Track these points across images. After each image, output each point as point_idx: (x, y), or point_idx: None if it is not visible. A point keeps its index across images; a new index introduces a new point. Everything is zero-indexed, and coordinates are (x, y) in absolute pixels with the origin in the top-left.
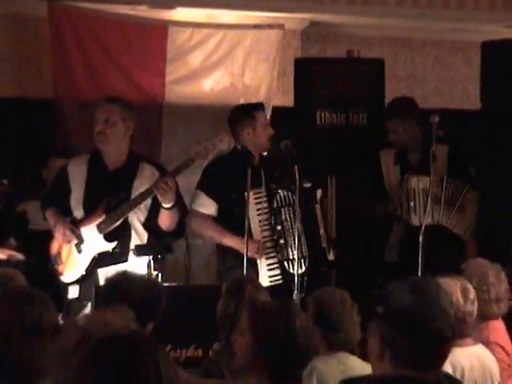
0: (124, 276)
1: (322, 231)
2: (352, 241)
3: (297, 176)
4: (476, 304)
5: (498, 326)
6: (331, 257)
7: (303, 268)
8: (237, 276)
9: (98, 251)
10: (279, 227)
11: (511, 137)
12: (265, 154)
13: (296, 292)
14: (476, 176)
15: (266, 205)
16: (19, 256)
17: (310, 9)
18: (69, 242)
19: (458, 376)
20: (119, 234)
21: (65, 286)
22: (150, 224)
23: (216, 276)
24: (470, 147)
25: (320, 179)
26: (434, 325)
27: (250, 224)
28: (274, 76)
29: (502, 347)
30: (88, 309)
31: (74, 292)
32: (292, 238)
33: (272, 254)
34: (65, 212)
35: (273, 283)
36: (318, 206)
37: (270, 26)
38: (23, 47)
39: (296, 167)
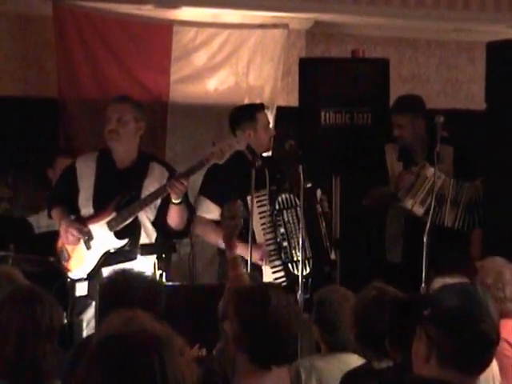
0: (123, 274)
1: (323, 231)
2: (356, 240)
3: (301, 176)
4: None
5: (507, 324)
6: (333, 256)
7: (308, 269)
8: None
9: (109, 248)
10: (282, 230)
11: None
12: (265, 155)
13: (300, 293)
14: (480, 176)
15: (268, 207)
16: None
17: (315, 8)
18: (75, 243)
19: None
20: (130, 232)
21: (72, 283)
22: (160, 222)
23: (217, 278)
24: (475, 148)
25: (323, 179)
26: (481, 327)
27: (252, 227)
28: (278, 76)
29: (510, 344)
30: (93, 307)
31: (81, 289)
32: (295, 239)
33: (276, 257)
34: (71, 210)
35: None
36: (318, 206)
37: (275, 26)
38: (27, 46)
39: (301, 167)
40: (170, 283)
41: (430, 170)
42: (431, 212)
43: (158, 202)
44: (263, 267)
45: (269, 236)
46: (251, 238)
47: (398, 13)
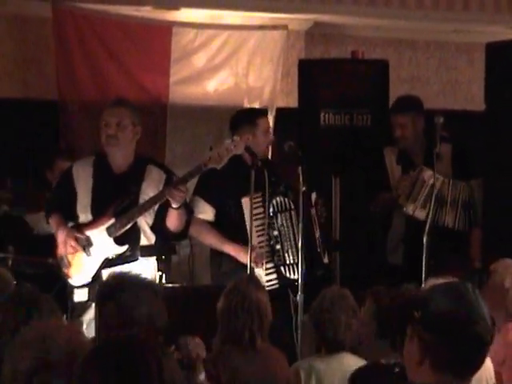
0: (119, 277)
1: (317, 235)
2: (356, 241)
3: (300, 178)
4: None
5: None
6: (326, 260)
7: (300, 272)
8: (240, 277)
9: (109, 254)
10: (276, 232)
11: None
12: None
13: (295, 295)
14: (479, 176)
15: (262, 210)
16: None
17: (314, 10)
18: (73, 252)
19: None
20: (129, 238)
21: (71, 289)
22: (158, 226)
23: (211, 280)
24: (474, 148)
25: (323, 180)
26: (475, 329)
27: (245, 229)
28: (278, 77)
29: None
30: (92, 309)
31: (81, 295)
32: (288, 242)
33: (268, 259)
34: (70, 216)
35: (269, 288)
36: (312, 210)
37: (274, 27)
38: (27, 48)
39: (300, 168)
40: (170, 284)
41: (428, 173)
42: (431, 213)
43: (156, 206)
44: (256, 269)
45: (262, 238)
46: (245, 239)
47: (398, 14)
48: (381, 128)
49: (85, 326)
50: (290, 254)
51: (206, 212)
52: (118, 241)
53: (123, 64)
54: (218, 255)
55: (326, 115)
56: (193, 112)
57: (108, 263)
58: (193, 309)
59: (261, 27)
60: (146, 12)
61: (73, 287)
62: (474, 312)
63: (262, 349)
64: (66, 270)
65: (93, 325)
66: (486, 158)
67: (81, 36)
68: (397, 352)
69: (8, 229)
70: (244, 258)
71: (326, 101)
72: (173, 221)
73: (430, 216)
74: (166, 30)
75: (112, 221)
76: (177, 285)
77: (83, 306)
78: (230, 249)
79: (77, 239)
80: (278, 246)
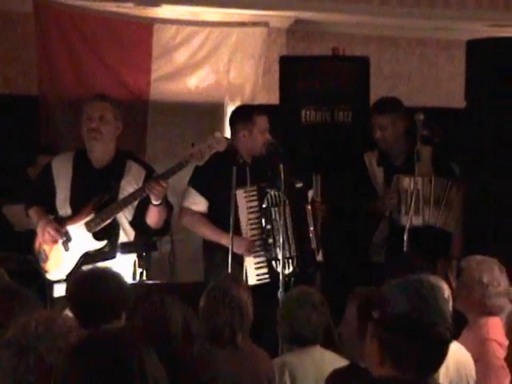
0: (90, 273)
1: (312, 232)
2: (338, 240)
3: (282, 175)
4: (451, 302)
5: (497, 323)
6: (320, 258)
7: (290, 268)
8: (223, 275)
9: (87, 250)
10: (268, 226)
11: (496, 135)
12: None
13: (280, 291)
14: (460, 174)
15: (256, 203)
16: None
17: (296, 6)
18: (54, 241)
19: None
20: (108, 233)
21: (50, 284)
22: (138, 222)
23: (204, 273)
24: (455, 145)
25: (305, 177)
26: (433, 329)
27: (238, 222)
28: (259, 74)
29: (500, 344)
30: None
31: (60, 290)
32: (280, 236)
33: (260, 253)
34: (49, 210)
35: (260, 281)
36: (308, 207)
37: (255, 24)
38: (8, 44)
39: (281, 166)
40: (151, 281)
41: (406, 181)
42: (411, 212)
43: (136, 202)
44: (247, 262)
45: (255, 232)
46: (236, 230)
47: (379, 11)
48: (362, 125)
49: None
50: (282, 248)
51: (198, 203)
52: (97, 236)
53: (104, 60)
54: (210, 248)
55: (308, 112)
56: (174, 108)
57: (86, 259)
58: None
59: (242, 24)
60: (128, 8)
61: (51, 282)
62: (434, 311)
63: (242, 346)
64: (43, 264)
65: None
66: (467, 154)
67: (62, 32)
68: None
69: None
70: (236, 247)
71: (307, 97)
72: (153, 217)
73: (410, 214)
74: (147, 26)
75: (91, 216)
76: (158, 281)
77: (64, 302)
78: (221, 239)
79: (56, 229)
80: (271, 240)
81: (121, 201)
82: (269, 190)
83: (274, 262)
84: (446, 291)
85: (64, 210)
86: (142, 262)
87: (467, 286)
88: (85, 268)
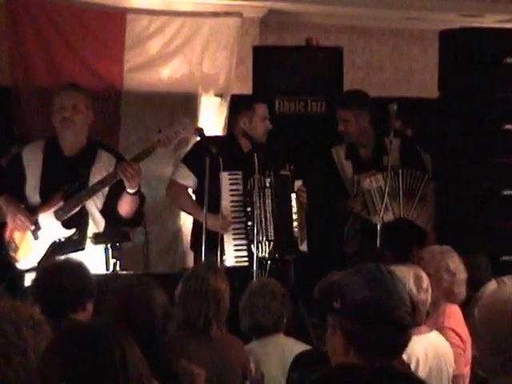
0: (53, 264)
1: (296, 220)
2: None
3: (256, 164)
4: (430, 292)
5: (454, 312)
6: (304, 248)
7: (266, 251)
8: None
9: (56, 238)
10: (249, 209)
11: (468, 126)
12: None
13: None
14: (433, 165)
15: (240, 187)
16: None
17: None
18: (24, 229)
19: (413, 364)
20: (77, 221)
21: (20, 274)
22: (108, 211)
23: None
24: (427, 136)
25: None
26: (394, 314)
27: (220, 203)
28: (232, 64)
29: (457, 333)
30: None
31: (30, 279)
32: (260, 221)
33: (241, 236)
34: (19, 199)
35: (238, 264)
36: (293, 195)
37: (228, 14)
38: None
39: (255, 156)
40: (124, 272)
41: (366, 181)
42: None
43: (106, 189)
44: (226, 244)
45: (236, 214)
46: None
47: (352, 1)
48: (335, 115)
49: None
50: (262, 232)
51: (186, 178)
52: (66, 224)
53: (77, 50)
54: (198, 239)
55: (281, 102)
56: (147, 99)
57: (55, 248)
58: None
59: (215, 14)
60: None
61: (22, 272)
62: (393, 296)
63: (216, 336)
64: (13, 254)
65: None
66: (439, 144)
67: (34, 22)
68: None
69: None
70: (211, 225)
71: (281, 88)
72: (125, 207)
73: (383, 206)
74: (120, 16)
75: (60, 204)
76: (131, 272)
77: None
78: (198, 215)
79: (27, 217)
80: (250, 223)
81: (90, 187)
82: (253, 175)
83: (253, 246)
84: (425, 280)
85: (34, 198)
86: (115, 252)
87: (435, 275)
88: (49, 259)
